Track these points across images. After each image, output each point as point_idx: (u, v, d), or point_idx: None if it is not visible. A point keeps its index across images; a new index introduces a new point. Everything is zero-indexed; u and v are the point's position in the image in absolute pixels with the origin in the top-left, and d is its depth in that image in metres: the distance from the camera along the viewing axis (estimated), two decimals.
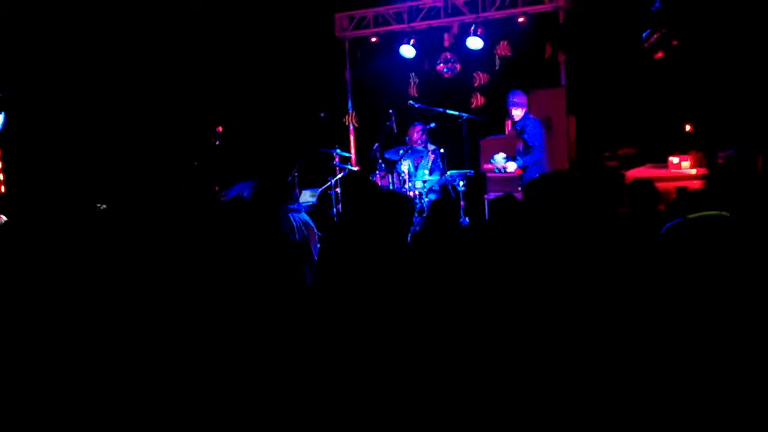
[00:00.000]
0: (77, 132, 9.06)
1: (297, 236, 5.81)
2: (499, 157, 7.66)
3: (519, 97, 7.64)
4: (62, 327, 3.07)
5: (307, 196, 8.72)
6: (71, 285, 3.30)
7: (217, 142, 8.22)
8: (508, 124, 8.60)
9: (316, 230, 6.44)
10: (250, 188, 7.93)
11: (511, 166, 7.60)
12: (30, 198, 8.47)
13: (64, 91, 9.00)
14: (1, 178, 8.57)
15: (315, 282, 4.42)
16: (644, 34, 7.11)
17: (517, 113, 7.63)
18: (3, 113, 8.56)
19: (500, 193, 7.59)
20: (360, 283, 3.32)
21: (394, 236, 3.81)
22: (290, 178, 8.47)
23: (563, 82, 8.74)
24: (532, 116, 7.65)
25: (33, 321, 3.10)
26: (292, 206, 8.08)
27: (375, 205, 3.85)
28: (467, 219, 7.83)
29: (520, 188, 7.89)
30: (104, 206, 7.91)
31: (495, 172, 7.85)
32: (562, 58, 8.79)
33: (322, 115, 9.55)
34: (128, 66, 9.27)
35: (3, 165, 8.59)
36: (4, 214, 7.37)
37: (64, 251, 3.75)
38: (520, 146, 7.68)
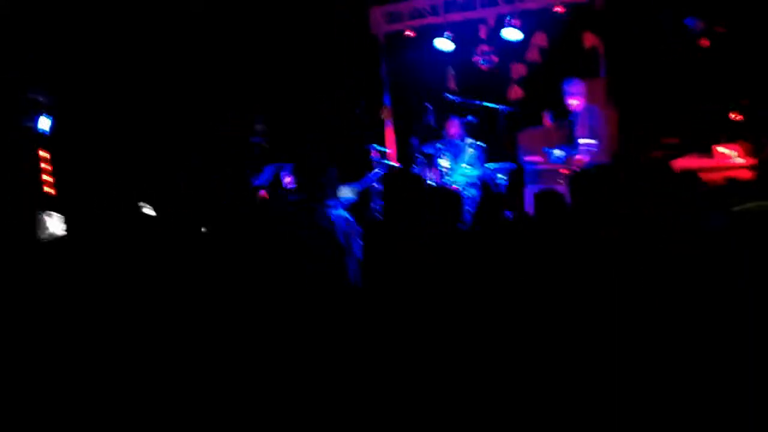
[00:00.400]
0: (113, 131, 9.17)
1: (338, 232, 5.81)
2: (558, 152, 7.46)
3: (576, 86, 7.39)
4: (126, 323, 3.09)
5: (346, 192, 8.71)
6: (130, 282, 3.33)
7: (258, 140, 8.23)
8: (546, 117, 8.48)
9: (356, 226, 6.44)
10: (277, 170, 8.01)
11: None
12: (79, 199, 8.58)
13: (102, 89, 9.10)
14: (52, 181, 8.69)
15: (361, 278, 4.40)
16: (688, 21, 6.96)
17: (575, 103, 7.38)
18: (50, 117, 8.69)
19: (541, 187, 7.55)
20: (409, 278, 3.29)
21: (443, 232, 3.78)
22: (327, 175, 8.47)
23: (603, 72, 8.61)
24: (592, 105, 7.39)
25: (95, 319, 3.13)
26: (330, 202, 8.13)
27: (423, 201, 3.83)
28: (510, 213, 7.74)
29: (560, 181, 7.79)
30: (146, 206, 8.00)
31: (550, 162, 7.65)
32: (601, 48, 8.65)
33: (356, 111, 9.55)
34: (170, 65, 9.34)
35: (53, 168, 8.71)
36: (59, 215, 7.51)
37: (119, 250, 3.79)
38: (579, 134, 7.39)
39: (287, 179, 8.11)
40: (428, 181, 8.12)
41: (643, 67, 8.16)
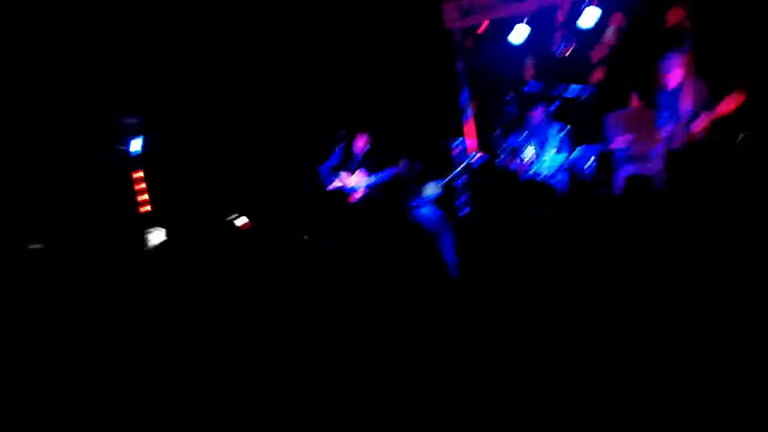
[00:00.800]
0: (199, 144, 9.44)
1: (428, 230, 5.81)
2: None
3: (675, 60, 7.09)
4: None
5: (431, 189, 8.72)
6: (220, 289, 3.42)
7: (343, 144, 8.34)
8: (634, 98, 8.26)
9: (446, 222, 6.43)
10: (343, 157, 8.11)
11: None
12: (174, 214, 8.88)
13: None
14: (147, 198, 9.05)
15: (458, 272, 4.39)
16: None
17: (671, 78, 7.07)
18: (140, 137, 9.04)
19: (632, 170, 7.36)
20: (504, 271, 3.27)
21: (537, 224, 3.74)
22: (411, 174, 8.49)
23: (688, 47, 8.30)
24: (694, 78, 7.04)
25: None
26: (413, 203, 8.16)
27: (513, 194, 3.80)
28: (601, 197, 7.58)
29: (649, 165, 7.58)
30: (237, 216, 8.23)
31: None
32: (687, 22, 8.35)
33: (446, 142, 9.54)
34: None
35: (147, 185, 9.06)
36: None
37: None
38: (683, 109, 6.98)
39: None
40: (515, 173, 8.04)
41: (733, 41, 7.83)
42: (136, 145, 9.21)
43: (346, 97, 9.75)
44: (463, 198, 8.53)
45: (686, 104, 6.93)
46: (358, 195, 8.17)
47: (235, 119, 9.66)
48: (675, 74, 7.04)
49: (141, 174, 9.06)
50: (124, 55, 8.92)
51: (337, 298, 3.21)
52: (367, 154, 8.40)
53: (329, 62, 9.90)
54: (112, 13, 8.77)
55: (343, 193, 8.21)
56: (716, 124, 7.25)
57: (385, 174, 8.16)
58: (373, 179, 8.18)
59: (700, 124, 6.71)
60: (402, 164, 8.04)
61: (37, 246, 6.92)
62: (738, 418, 2.30)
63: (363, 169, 8.28)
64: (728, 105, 6.55)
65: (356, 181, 8.25)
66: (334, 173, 8.36)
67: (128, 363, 3.10)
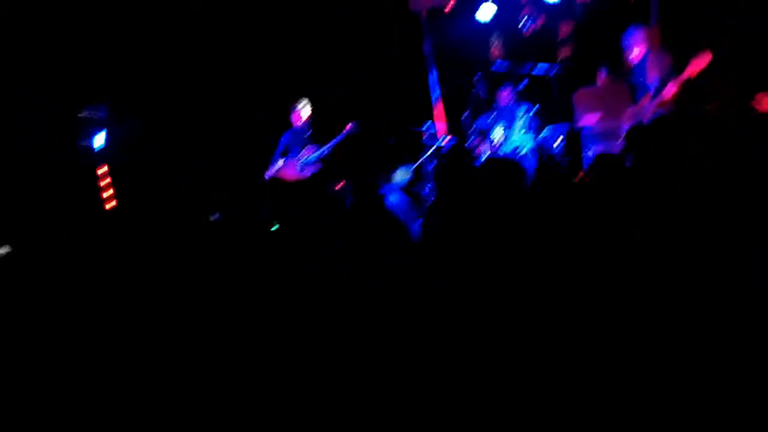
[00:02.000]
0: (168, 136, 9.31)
1: (399, 217, 5.72)
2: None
3: (638, 35, 6.96)
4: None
5: (400, 175, 8.64)
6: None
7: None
8: (601, 74, 8.21)
9: (414, 208, 6.35)
10: (294, 137, 7.96)
11: None
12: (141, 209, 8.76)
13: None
14: (112, 193, 8.90)
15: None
16: None
17: (636, 53, 6.94)
18: (103, 131, 8.88)
19: (601, 147, 7.32)
20: (473, 254, 3.20)
21: (506, 205, 3.66)
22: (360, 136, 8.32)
23: (653, 21, 8.26)
24: (659, 51, 6.95)
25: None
26: (385, 189, 8.07)
27: (479, 175, 3.71)
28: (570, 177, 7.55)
29: (619, 142, 7.53)
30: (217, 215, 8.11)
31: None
32: None
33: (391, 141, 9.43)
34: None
35: (112, 179, 8.92)
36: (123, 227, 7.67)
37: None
38: (649, 82, 6.92)
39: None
40: (483, 154, 7.99)
41: (699, 12, 7.79)
42: (99, 139, 9.05)
43: (312, 81, 9.62)
44: (431, 183, 8.46)
45: (652, 77, 6.88)
46: (309, 172, 8.00)
47: (219, 116, 9.55)
48: (639, 48, 6.97)
49: (105, 169, 8.91)
50: (122, 51, 8.79)
51: (309, 292, 3.12)
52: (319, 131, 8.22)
53: (292, 46, 9.77)
54: (111, 12, 8.68)
55: (278, 179, 8.03)
56: (684, 94, 7.21)
57: (333, 142, 7.98)
58: (321, 151, 8.00)
59: (669, 93, 6.66)
60: (351, 126, 7.87)
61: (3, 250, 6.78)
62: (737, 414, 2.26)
63: (310, 146, 8.09)
64: (695, 66, 6.50)
65: (301, 158, 8.04)
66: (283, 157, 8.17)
67: (110, 363, 3.02)
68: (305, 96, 8.24)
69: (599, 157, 4.94)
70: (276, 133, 8.34)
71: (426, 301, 2.95)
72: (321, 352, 2.87)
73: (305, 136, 8.07)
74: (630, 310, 2.61)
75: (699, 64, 6.46)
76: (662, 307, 2.56)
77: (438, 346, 2.78)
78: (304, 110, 8.12)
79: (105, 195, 8.93)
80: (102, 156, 9.03)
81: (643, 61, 6.96)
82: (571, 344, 2.58)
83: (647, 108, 6.84)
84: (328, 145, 7.95)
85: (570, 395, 2.44)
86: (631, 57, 7.02)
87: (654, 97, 6.81)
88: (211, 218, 7.63)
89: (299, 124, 8.12)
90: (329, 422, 2.63)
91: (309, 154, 7.99)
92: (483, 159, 7.68)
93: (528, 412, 2.46)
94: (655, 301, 2.59)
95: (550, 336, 2.64)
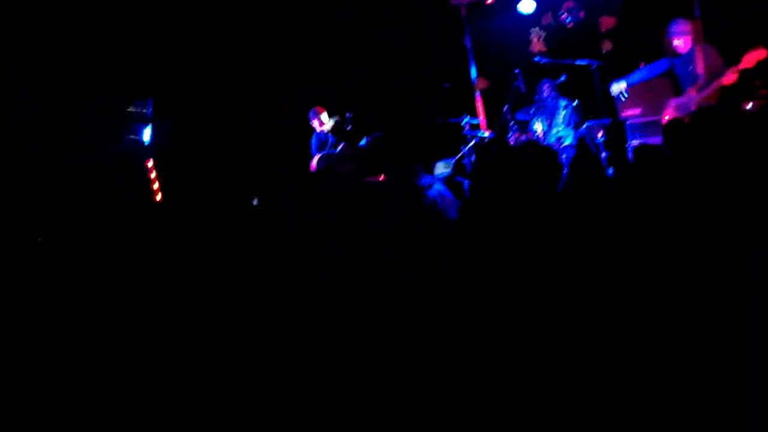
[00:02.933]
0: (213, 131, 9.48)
1: (439, 209, 5.79)
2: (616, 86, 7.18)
3: (682, 26, 6.93)
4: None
5: (441, 168, 8.69)
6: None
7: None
8: (643, 66, 8.15)
9: (453, 198, 6.40)
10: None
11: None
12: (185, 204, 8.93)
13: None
14: (157, 187, 9.11)
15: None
16: None
17: (680, 43, 6.91)
18: (150, 126, 9.08)
19: (643, 140, 7.28)
20: (508, 249, 3.24)
21: (542, 191, 3.69)
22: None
23: (697, 13, 8.17)
24: (704, 44, 6.94)
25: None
26: (425, 181, 8.11)
27: (517, 166, 3.75)
28: (612, 170, 7.51)
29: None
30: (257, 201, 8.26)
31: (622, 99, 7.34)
32: None
33: (446, 85, 9.47)
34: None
35: (157, 174, 9.12)
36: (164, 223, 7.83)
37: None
38: (696, 73, 6.92)
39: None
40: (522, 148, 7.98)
41: (741, 7, 7.68)
42: (147, 134, 9.26)
43: (354, 78, 9.70)
44: (465, 177, 8.51)
45: (699, 68, 6.83)
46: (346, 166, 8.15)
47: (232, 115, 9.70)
48: (684, 40, 6.93)
49: (152, 164, 9.13)
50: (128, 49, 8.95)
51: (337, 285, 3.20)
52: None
53: (335, 43, 9.85)
54: (115, 9, 8.82)
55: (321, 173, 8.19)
56: (731, 88, 7.12)
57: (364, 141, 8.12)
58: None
59: (728, 80, 6.61)
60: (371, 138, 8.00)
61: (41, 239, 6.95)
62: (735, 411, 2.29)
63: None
64: (750, 59, 6.45)
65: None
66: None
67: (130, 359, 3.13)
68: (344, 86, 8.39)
69: (639, 148, 4.96)
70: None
71: (454, 292, 3.01)
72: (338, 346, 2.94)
73: (330, 139, 8.26)
74: (635, 304, 2.63)
75: (754, 57, 6.41)
76: (669, 302, 2.58)
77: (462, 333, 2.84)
78: (324, 119, 8.30)
79: (154, 188, 9.16)
80: (149, 150, 9.26)
81: (689, 53, 6.92)
82: (579, 339, 2.62)
83: (693, 99, 6.80)
84: (362, 143, 8.10)
85: (582, 389, 2.49)
86: (676, 49, 6.98)
87: (701, 88, 6.76)
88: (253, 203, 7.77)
89: (320, 129, 8.31)
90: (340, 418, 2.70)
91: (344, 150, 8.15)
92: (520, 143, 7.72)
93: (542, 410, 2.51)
94: (663, 295, 2.61)
95: (559, 330, 2.68)
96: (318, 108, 8.42)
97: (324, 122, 8.30)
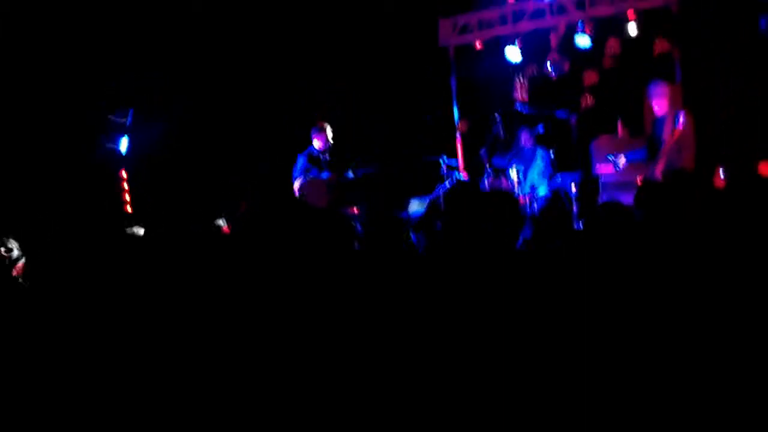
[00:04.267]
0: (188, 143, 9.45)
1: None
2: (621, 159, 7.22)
3: (658, 89, 7.06)
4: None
5: (415, 206, 8.71)
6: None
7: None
8: (621, 124, 8.29)
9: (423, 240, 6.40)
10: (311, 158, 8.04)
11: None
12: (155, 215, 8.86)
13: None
14: (129, 199, 9.06)
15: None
16: (762, 22, 6.67)
17: (656, 107, 7.04)
18: (126, 137, 9.04)
19: (615, 197, 7.35)
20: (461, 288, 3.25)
21: (500, 238, 3.70)
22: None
23: (678, 78, 8.35)
24: (680, 109, 7.01)
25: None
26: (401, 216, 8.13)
27: (479, 207, 3.76)
28: (581, 224, 7.58)
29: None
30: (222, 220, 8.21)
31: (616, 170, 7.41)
32: (676, 53, 8.40)
33: (427, 118, 9.54)
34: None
35: (129, 186, 9.07)
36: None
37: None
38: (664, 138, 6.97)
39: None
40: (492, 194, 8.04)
41: (721, 73, 7.87)
42: (124, 144, 9.22)
43: (336, 106, 9.75)
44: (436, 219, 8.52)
45: (665, 134, 6.94)
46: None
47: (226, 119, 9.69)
48: (659, 103, 7.04)
49: (125, 174, 9.08)
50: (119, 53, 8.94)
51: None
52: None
53: (321, 71, 9.92)
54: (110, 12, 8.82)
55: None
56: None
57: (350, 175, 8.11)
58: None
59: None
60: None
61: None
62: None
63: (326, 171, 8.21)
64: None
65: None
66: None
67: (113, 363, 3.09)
68: (328, 121, 8.37)
69: (606, 204, 5.00)
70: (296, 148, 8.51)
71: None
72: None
73: (323, 160, 8.18)
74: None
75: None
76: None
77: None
78: (329, 133, 8.22)
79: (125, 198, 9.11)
80: (123, 160, 9.21)
81: (663, 117, 7.02)
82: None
83: (657, 165, 6.88)
84: (349, 174, 8.07)
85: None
86: (654, 110, 7.10)
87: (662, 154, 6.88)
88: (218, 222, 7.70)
89: (323, 146, 8.22)
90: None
91: (327, 178, 8.12)
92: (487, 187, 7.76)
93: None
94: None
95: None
96: (321, 123, 8.32)
97: (328, 137, 8.19)
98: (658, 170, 6.76)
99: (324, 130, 8.18)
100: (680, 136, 6.74)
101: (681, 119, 6.72)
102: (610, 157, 7.27)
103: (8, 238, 5.51)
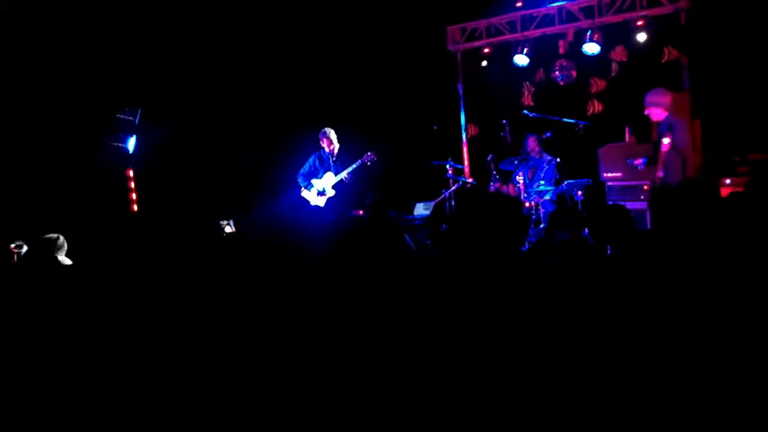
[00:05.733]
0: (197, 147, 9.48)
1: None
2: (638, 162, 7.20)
3: (657, 96, 6.94)
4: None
5: (420, 209, 8.74)
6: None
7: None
8: (628, 132, 8.30)
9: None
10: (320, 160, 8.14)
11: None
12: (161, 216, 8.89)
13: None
14: (135, 198, 9.08)
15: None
16: None
17: (657, 114, 6.92)
18: (134, 136, 9.07)
19: (622, 203, 7.36)
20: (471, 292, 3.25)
21: (506, 242, 3.71)
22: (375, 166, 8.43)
23: (686, 85, 8.35)
24: (677, 118, 6.92)
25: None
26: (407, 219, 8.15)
27: (484, 210, 3.78)
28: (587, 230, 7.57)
29: (642, 197, 7.60)
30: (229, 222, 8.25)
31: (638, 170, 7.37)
32: (684, 60, 8.41)
33: (434, 127, 9.57)
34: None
35: (136, 185, 9.09)
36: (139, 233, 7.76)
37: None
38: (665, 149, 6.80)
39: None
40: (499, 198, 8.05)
41: (728, 79, 7.86)
42: (132, 143, 9.25)
43: (344, 113, 9.78)
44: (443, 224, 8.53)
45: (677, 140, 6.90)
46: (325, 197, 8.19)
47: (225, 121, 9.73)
48: (654, 111, 6.98)
49: (132, 173, 9.11)
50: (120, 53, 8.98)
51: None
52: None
53: (331, 77, 9.96)
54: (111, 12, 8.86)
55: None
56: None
57: (351, 168, 8.14)
58: (342, 176, 8.16)
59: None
60: (367, 156, 8.01)
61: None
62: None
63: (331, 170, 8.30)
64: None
65: (323, 183, 8.25)
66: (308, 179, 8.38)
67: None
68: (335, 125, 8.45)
69: (612, 207, 5.01)
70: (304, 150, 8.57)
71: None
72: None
73: (331, 161, 8.23)
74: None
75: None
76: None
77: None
78: (333, 137, 8.29)
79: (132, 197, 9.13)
80: (131, 159, 9.24)
81: (662, 123, 6.97)
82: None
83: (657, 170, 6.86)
84: (347, 171, 8.10)
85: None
86: (651, 116, 7.06)
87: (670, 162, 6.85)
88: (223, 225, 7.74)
89: (329, 149, 8.28)
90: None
91: (329, 180, 8.17)
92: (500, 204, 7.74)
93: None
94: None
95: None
96: (327, 128, 8.43)
97: (333, 141, 8.29)
98: (657, 177, 6.74)
99: (328, 135, 8.29)
100: (680, 146, 6.71)
101: (667, 141, 6.71)
102: (629, 162, 7.26)
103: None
